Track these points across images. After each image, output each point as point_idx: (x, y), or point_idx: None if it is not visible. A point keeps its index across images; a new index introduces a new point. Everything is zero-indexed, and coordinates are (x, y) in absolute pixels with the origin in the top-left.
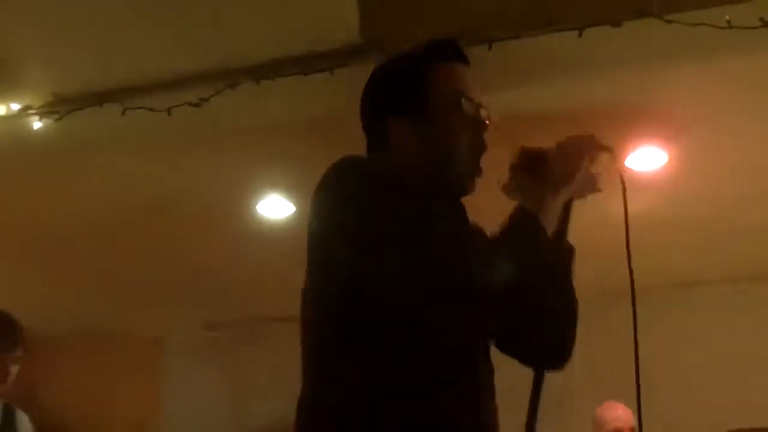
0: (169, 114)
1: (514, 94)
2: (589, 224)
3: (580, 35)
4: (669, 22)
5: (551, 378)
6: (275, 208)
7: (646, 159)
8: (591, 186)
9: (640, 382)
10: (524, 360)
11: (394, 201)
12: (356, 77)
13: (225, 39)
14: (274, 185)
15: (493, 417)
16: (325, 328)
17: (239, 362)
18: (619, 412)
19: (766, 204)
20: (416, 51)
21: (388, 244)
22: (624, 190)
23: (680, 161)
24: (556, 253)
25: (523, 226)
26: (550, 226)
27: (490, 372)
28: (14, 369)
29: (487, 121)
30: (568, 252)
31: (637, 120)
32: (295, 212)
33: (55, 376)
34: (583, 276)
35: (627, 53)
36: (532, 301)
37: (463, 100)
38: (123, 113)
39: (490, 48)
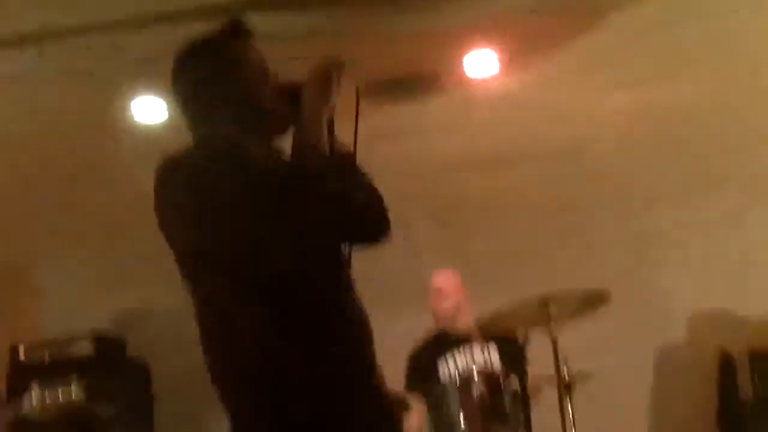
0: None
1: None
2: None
3: None
4: None
5: None
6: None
7: (482, 66)
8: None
9: None
10: (359, 242)
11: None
12: None
13: None
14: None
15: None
16: None
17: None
18: (441, 276)
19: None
20: (213, 36)
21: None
22: (357, 99)
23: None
24: (336, 161)
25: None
26: (322, 141)
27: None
28: None
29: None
30: (347, 156)
31: (473, 32)
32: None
33: None
34: None
35: None
36: (342, 201)
37: (260, 67)
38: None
39: None
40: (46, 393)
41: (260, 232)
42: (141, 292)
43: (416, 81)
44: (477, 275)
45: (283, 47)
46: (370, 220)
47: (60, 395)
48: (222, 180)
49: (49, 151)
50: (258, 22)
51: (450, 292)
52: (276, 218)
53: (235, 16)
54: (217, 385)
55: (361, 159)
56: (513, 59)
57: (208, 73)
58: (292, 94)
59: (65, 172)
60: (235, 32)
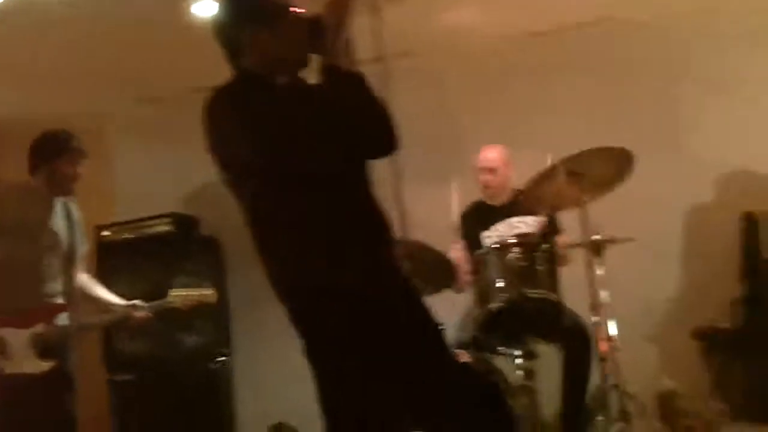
0: None
1: None
2: None
3: None
4: None
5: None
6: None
7: None
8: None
9: None
10: (376, 155)
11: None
12: None
13: None
14: None
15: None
16: None
17: (178, 132)
18: (489, 154)
19: None
20: None
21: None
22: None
23: None
24: (357, 78)
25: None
26: (344, 63)
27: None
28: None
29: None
30: (359, 75)
31: None
32: None
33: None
34: None
35: None
36: (363, 116)
37: (291, 11)
38: None
39: None
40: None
41: (297, 145)
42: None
43: None
44: (517, 142)
45: None
46: (388, 134)
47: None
48: (259, 106)
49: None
50: None
51: (496, 168)
52: (309, 133)
53: None
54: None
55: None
56: None
57: (243, 20)
58: (313, 26)
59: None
60: None
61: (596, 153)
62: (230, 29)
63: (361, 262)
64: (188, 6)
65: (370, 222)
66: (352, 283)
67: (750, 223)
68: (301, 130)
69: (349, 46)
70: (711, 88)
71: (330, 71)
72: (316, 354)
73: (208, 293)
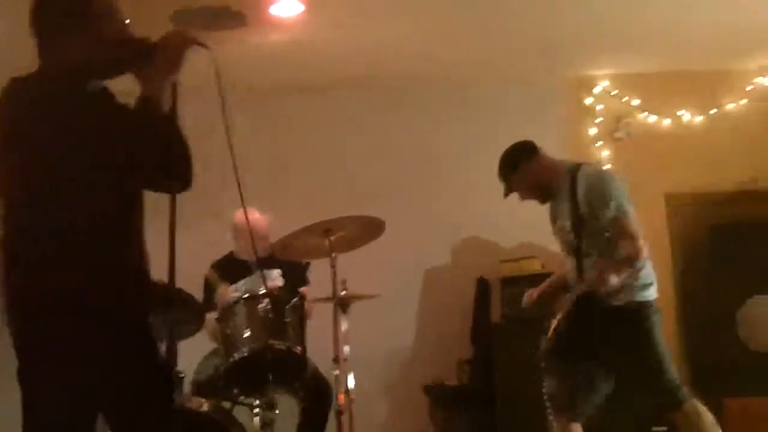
0: None
1: None
2: None
3: None
4: None
5: None
6: None
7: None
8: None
9: None
10: (169, 190)
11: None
12: None
13: None
14: None
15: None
16: None
17: None
18: (237, 218)
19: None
20: None
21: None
22: (218, 70)
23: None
24: (171, 122)
25: (151, 111)
26: (166, 104)
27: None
28: None
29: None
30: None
31: None
32: None
33: None
34: None
35: None
36: (168, 155)
37: (120, 18)
38: None
39: None
40: None
41: (79, 159)
42: None
43: (224, 14)
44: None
45: None
46: (186, 172)
47: None
48: (61, 104)
49: None
50: None
51: (248, 230)
52: (101, 150)
53: None
54: None
55: None
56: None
57: (67, 8)
58: (142, 48)
59: None
60: None
61: (353, 219)
62: (46, 17)
63: (108, 288)
64: None
65: (128, 253)
66: (91, 306)
67: (483, 288)
68: (99, 142)
69: (174, 89)
70: (453, 164)
71: (146, 102)
72: (30, 376)
73: None
